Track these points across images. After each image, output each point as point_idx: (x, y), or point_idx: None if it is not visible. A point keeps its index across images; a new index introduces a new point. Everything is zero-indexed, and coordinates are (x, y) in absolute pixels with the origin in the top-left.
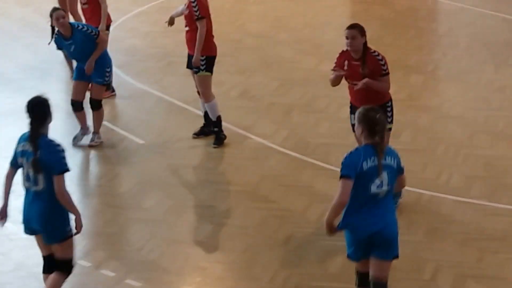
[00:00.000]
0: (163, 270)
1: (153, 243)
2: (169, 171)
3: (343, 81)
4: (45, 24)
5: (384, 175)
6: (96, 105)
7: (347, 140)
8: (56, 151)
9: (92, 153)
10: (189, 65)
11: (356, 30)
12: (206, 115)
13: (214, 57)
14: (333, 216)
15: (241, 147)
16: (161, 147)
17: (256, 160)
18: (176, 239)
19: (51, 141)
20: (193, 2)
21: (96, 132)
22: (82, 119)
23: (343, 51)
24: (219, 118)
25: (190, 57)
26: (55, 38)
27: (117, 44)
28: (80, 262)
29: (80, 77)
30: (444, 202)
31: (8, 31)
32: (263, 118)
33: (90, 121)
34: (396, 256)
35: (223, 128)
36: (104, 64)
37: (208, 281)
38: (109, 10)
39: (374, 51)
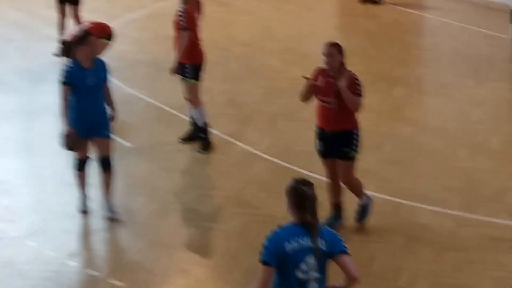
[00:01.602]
0: (147, 271)
1: (138, 245)
2: (155, 175)
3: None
4: (37, 27)
5: (311, 259)
6: (109, 165)
7: None
8: None
9: None
10: (177, 71)
11: (334, 48)
12: (193, 120)
13: (200, 66)
14: None
15: (226, 153)
16: (148, 151)
17: (241, 166)
18: (160, 241)
19: None
20: (181, 12)
21: (110, 199)
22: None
23: (319, 68)
24: (206, 124)
25: (178, 63)
26: (71, 67)
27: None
28: (67, 262)
29: (87, 131)
30: (422, 212)
31: (1, 34)
32: (249, 125)
33: None
34: None
35: (209, 134)
36: (107, 115)
37: (190, 283)
38: (100, 16)
39: (351, 71)
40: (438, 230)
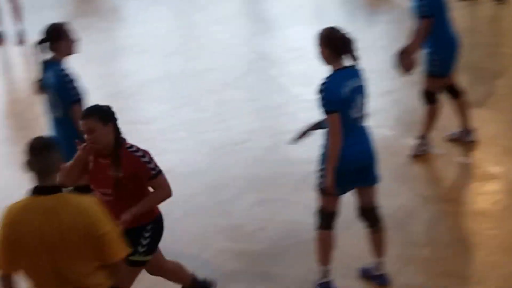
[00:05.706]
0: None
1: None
2: None
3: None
4: None
5: (359, 97)
6: (428, 98)
7: None
8: None
9: None
10: None
11: (94, 119)
12: None
13: None
14: (334, 163)
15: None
16: None
17: None
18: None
19: None
20: None
21: (424, 135)
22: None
23: (85, 145)
24: None
25: None
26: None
27: None
28: None
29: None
30: None
31: None
32: None
33: None
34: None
35: None
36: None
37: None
38: None
39: (132, 146)
40: None
